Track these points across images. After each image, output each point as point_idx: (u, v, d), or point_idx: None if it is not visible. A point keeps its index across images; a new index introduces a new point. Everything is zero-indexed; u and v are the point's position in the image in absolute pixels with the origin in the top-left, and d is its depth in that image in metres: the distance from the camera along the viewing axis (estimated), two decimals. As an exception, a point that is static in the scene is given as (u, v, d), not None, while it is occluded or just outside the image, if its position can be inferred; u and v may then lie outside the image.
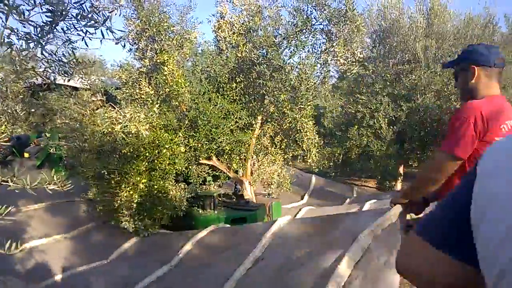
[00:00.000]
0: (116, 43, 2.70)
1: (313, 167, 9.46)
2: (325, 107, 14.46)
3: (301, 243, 4.45)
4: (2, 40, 2.61)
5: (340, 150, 13.78)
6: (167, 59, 7.31)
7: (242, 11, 8.15)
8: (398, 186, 15.29)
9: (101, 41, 2.78)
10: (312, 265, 3.71)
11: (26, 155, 9.25)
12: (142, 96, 7.45)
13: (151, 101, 7.34)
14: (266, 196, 8.92)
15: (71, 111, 5.84)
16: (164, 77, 7.39)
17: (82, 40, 2.79)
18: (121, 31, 3.21)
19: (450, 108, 11.95)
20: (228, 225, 6.60)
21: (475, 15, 13.32)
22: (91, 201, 5.97)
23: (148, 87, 7.57)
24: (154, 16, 6.92)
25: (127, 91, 7.62)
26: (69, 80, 3.79)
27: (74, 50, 2.79)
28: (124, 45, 6.89)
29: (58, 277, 5.22)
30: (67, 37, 2.69)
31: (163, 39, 7.19)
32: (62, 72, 3.29)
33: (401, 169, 14.79)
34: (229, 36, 8.18)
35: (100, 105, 6.12)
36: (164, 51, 7.31)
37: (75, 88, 6.20)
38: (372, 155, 12.70)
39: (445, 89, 12.37)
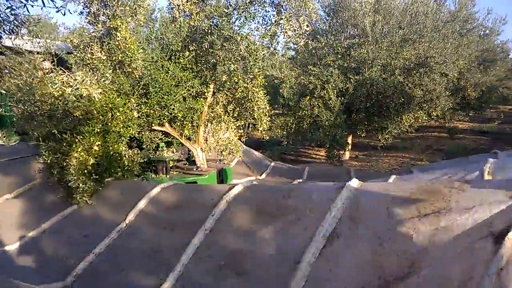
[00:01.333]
0: (56, 11, 2.92)
1: (264, 136, 9.98)
2: (281, 78, 14.91)
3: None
4: None
5: (293, 120, 14.45)
6: (120, 25, 7.37)
7: (196, -21, 8.28)
8: (347, 155, 16.37)
9: (41, 8, 3.02)
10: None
11: (-28, 120, 9.07)
12: (94, 61, 7.51)
13: (103, 66, 7.43)
14: (217, 162, 9.40)
15: (22, 74, 5.88)
16: (116, 43, 7.47)
17: (24, 7, 3.03)
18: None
19: (393, 81, 12.81)
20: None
21: (423, -8, 14.01)
22: (44, 164, 6.14)
23: (101, 52, 7.62)
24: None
25: (78, 55, 7.64)
26: (15, 39, 3.98)
27: (16, 16, 3.01)
28: (65, 13, 6.93)
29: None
30: (10, 3, 2.91)
31: (115, 4, 7.23)
32: (8, 31, 3.50)
33: (349, 139, 15.76)
34: (183, 4, 8.32)
35: (52, 69, 6.20)
36: (117, 17, 7.36)
37: (27, 52, 6.21)
38: (322, 125, 13.46)
39: (391, 63, 13.18)
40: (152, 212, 5.36)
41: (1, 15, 2.93)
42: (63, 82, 5.89)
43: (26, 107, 6.46)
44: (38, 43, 6.25)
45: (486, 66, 18.99)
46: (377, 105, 13.55)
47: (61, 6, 2.97)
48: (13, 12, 2.71)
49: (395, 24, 13.18)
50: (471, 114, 21.53)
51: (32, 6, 2.80)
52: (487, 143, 17.85)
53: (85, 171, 5.85)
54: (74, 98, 5.93)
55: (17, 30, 3.21)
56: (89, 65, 7.54)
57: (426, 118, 14.91)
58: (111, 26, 7.57)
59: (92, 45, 7.61)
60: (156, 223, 5.09)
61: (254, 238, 3.88)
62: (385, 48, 12.96)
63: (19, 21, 3.08)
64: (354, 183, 3.86)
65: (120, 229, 5.21)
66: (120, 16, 7.54)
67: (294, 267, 3.22)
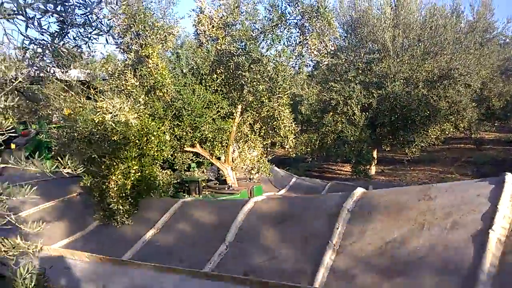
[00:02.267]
0: (116, 47, 3.15)
1: (291, 153, 10.08)
2: (301, 95, 15.06)
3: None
4: (20, 46, 3.12)
5: (317, 136, 14.49)
6: (151, 53, 7.73)
7: (221, 6, 8.62)
8: (373, 170, 16.20)
9: (104, 45, 3.25)
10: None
11: (13, 146, 9.52)
12: (128, 87, 7.85)
13: (136, 92, 7.75)
14: (247, 181, 9.51)
15: (64, 102, 6.22)
16: (148, 69, 7.82)
17: (86, 44, 3.30)
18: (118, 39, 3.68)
19: (417, 94, 12.77)
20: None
21: (440, 5, 14.09)
22: (84, 187, 6.42)
23: (133, 79, 7.98)
24: (139, 13, 7.31)
25: (113, 82, 8.01)
26: (66, 73, 4.27)
27: (81, 53, 3.27)
28: (121, 48, 7.58)
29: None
30: (76, 43, 3.17)
31: (148, 34, 7.59)
32: (62, 65, 3.77)
33: (374, 153, 15.63)
34: (209, 29, 8.65)
35: (90, 96, 6.53)
36: (148, 45, 7.71)
37: (69, 80, 6.58)
38: (347, 141, 13.45)
39: (413, 76, 13.17)
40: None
41: (62, 51, 3.16)
42: (103, 109, 6.17)
43: (66, 133, 6.80)
44: (81, 72, 6.60)
45: (508, 75, 18.70)
46: (402, 118, 13.47)
47: (121, 42, 3.17)
48: (79, 50, 2.94)
49: (415, 38, 13.23)
50: (496, 124, 21.06)
51: (93, 43, 3.02)
52: (516, 153, 17.38)
53: (123, 194, 6.07)
54: (113, 124, 6.20)
55: (70, 63, 3.46)
56: (123, 91, 7.89)
57: (453, 130, 14.69)
58: (143, 54, 7.94)
59: (125, 72, 7.98)
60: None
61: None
62: (406, 61, 12.98)
63: (77, 56, 3.33)
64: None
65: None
66: (151, 44, 7.90)
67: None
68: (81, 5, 2.98)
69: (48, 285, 2.80)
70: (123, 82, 7.76)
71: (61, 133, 6.93)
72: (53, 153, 9.02)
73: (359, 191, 4.52)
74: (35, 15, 2.78)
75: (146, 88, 7.97)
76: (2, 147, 3.17)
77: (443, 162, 17.04)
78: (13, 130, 3.51)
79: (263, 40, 7.89)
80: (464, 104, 13.15)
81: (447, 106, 12.89)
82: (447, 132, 14.49)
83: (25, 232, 2.93)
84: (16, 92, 3.81)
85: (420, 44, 13.06)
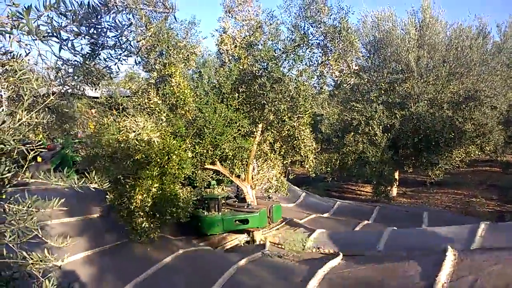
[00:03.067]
0: (144, 70, 3.20)
1: (310, 172, 9.96)
2: (322, 114, 14.99)
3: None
4: (53, 66, 3.22)
5: (337, 156, 14.33)
6: (174, 71, 7.87)
7: (243, 26, 8.75)
8: (394, 191, 15.83)
9: (133, 66, 3.33)
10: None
11: (39, 159, 9.77)
12: (151, 106, 7.99)
13: (159, 110, 7.88)
14: (266, 199, 9.42)
15: (89, 119, 6.37)
16: (171, 88, 7.95)
17: (115, 64, 3.39)
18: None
19: (442, 116, 12.51)
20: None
21: (466, 25, 13.89)
22: (111, 207, 6.49)
23: (156, 97, 8.12)
24: (162, 33, 7.49)
25: (136, 100, 8.16)
26: (95, 90, 4.38)
27: (111, 74, 3.35)
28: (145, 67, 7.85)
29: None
30: (107, 64, 3.27)
31: (171, 53, 7.75)
32: (91, 83, 3.88)
33: (396, 175, 15.31)
34: (231, 49, 8.77)
35: (117, 115, 6.67)
36: (171, 64, 7.86)
37: (94, 98, 6.78)
38: (368, 161, 13.24)
39: (438, 97, 12.94)
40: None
41: (92, 70, 3.24)
42: (127, 127, 6.29)
43: (91, 150, 6.93)
44: (107, 90, 6.77)
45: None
46: (425, 140, 13.19)
47: (148, 63, 3.23)
48: (108, 71, 3.00)
49: (440, 59, 13.05)
50: (523, 147, 20.33)
51: (122, 64, 3.09)
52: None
53: (150, 212, 6.11)
54: (136, 142, 6.29)
55: (99, 82, 3.54)
56: (146, 109, 8.03)
57: (478, 153, 14.26)
58: (166, 72, 8.10)
59: (149, 90, 8.13)
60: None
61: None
62: (431, 82, 12.79)
63: (103, 75, 3.40)
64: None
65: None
66: (174, 63, 8.06)
67: None
68: (112, 27, 3.05)
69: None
70: (146, 100, 7.90)
71: (86, 149, 7.08)
72: (77, 167, 9.22)
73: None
74: (69, 37, 2.86)
75: (168, 106, 8.09)
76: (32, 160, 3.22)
77: (468, 186, 16.48)
78: (42, 145, 3.57)
79: (285, 60, 7.94)
80: (490, 127, 12.77)
81: (473, 128, 12.55)
82: (472, 155, 14.06)
83: (49, 246, 2.96)
84: (46, 110, 3.90)
85: (445, 65, 12.86)
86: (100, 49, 3.24)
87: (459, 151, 13.30)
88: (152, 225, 5.96)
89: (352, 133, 13.77)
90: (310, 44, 7.92)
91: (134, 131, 6.35)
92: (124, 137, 6.30)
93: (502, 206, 12.79)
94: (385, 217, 10.34)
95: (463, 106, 12.64)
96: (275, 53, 7.87)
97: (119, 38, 3.22)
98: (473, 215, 11.18)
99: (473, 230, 5.33)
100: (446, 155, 13.21)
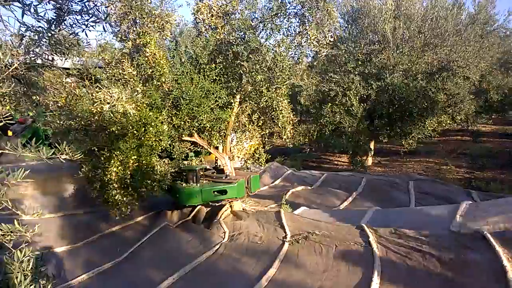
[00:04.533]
0: (117, 40, 3.08)
1: (288, 143, 10.08)
2: (300, 85, 15.01)
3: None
4: (17, 32, 3.08)
5: (315, 127, 14.49)
6: (149, 41, 7.63)
7: (220, -6, 8.49)
8: (369, 161, 16.27)
9: (101, 33, 3.22)
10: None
11: (9, 133, 9.45)
12: (125, 77, 7.77)
13: (133, 81, 7.68)
14: (244, 170, 9.52)
15: (61, 92, 6.16)
16: (146, 59, 7.73)
17: (83, 31, 3.27)
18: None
19: (416, 86, 12.75)
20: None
21: (442, -4, 13.94)
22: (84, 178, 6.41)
23: (131, 68, 7.89)
24: (136, 0, 7.20)
25: (110, 71, 7.91)
26: (65, 60, 4.23)
27: (78, 41, 3.23)
28: (118, 36, 7.49)
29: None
30: (73, 30, 3.14)
31: (145, 22, 7.49)
32: (60, 53, 3.74)
33: (372, 145, 15.68)
34: (208, 18, 8.53)
35: (89, 86, 6.47)
36: (146, 33, 7.61)
37: (65, 69, 6.52)
38: (345, 132, 13.47)
39: (412, 68, 13.13)
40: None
41: (59, 39, 3.12)
42: (101, 99, 6.13)
43: (63, 122, 6.74)
44: (78, 60, 6.53)
45: (507, 68, 18.68)
46: (400, 110, 13.48)
47: (118, 31, 3.14)
48: (76, 37, 2.90)
49: (415, 29, 13.15)
50: (494, 116, 21.12)
51: (90, 31, 2.98)
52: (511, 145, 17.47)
53: (124, 185, 6.06)
54: (111, 114, 6.16)
55: (68, 51, 3.42)
56: (120, 81, 7.81)
57: (450, 122, 14.72)
58: (140, 42, 7.84)
59: (123, 61, 7.88)
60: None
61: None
62: (406, 53, 12.93)
63: (72, 44, 3.28)
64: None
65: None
66: (149, 33, 7.79)
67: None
68: (78, -8, 2.93)
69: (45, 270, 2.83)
70: (120, 71, 7.67)
71: (58, 122, 6.88)
72: (50, 141, 8.99)
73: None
74: (32, 1, 2.74)
75: (144, 77, 7.89)
76: (2, 134, 3.12)
77: (439, 154, 17.11)
78: (11, 117, 3.44)
79: (262, 29, 7.81)
80: (462, 97, 13.15)
81: (445, 98, 12.89)
82: (444, 124, 14.52)
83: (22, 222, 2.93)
84: (12, 79, 3.76)
85: (420, 35, 12.99)
86: (66, 14, 3.11)
87: (431, 121, 13.69)
88: (125, 198, 5.94)
89: (330, 104, 13.89)
90: (287, 14, 7.80)
91: (108, 103, 6.21)
92: (98, 109, 6.15)
93: (471, 173, 13.39)
94: (373, 189, 10.60)
95: (437, 76, 12.90)
96: (252, 22, 7.73)
97: (86, 3, 3.10)
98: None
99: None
100: (419, 125, 13.58)
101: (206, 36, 8.41)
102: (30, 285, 2.22)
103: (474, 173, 13.31)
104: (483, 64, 14.38)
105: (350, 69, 13.34)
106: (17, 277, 2.14)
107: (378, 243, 5.28)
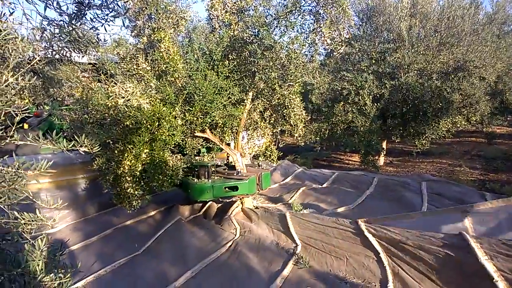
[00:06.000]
0: (132, 36, 3.11)
1: (300, 141, 10.06)
2: (312, 84, 14.94)
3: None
4: (38, 26, 3.13)
5: (326, 126, 14.41)
6: (163, 37, 7.68)
7: (235, -10, 8.50)
8: (381, 160, 16.13)
9: (121, 28, 3.26)
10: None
11: (26, 126, 9.62)
12: (140, 72, 7.84)
13: (148, 76, 7.74)
14: (256, 167, 9.53)
15: (77, 85, 6.25)
16: (160, 54, 7.79)
17: (102, 26, 3.31)
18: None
19: (430, 86, 12.58)
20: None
21: (459, -5, 13.72)
22: (99, 171, 6.51)
23: (145, 63, 7.96)
24: (152, -5, 7.25)
25: (125, 66, 7.99)
26: (82, 57, 4.28)
27: (98, 37, 3.27)
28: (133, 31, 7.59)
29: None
30: (93, 25, 3.19)
31: (160, 17, 7.54)
32: (77, 50, 3.79)
33: (384, 144, 15.54)
34: (222, 15, 8.56)
35: (105, 81, 6.55)
36: (161, 29, 7.66)
37: (81, 64, 6.62)
38: (357, 131, 13.37)
39: (427, 68, 12.96)
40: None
41: (79, 35, 3.16)
42: (116, 93, 6.20)
43: (78, 116, 6.85)
44: (94, 55, 6.61)
45: (525, 69, 18.28)
46: (413, 110, 13.31)
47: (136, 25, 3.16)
48: (96, 31, 2.94)
49: (431, 28, 12.96)
50: (509, 118, 20.74)
51: (109, 25, 3.03)
52: (527, 148, 17.12)
53: (136, 179, 6.14)
54: (126, 108, 6.23)
55: (87, 48, 3.46)
56: (134, 76, 7.89)
57: (465, 123, 14.50)
58: (155, 38, 7.90)
59: (137, 56, 7.95)
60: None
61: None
62: (421, 52, 12.76)
63: (90, 42, 3.32)
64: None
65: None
66: (164, 29, 7.85)
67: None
68: (98, -14, 2.97)
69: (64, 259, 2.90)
70: (135, 67, 7.74)
71: (73, 116, 6.99)
72: (65, 134, 9.13)
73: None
74: (55, -4, 2.78)
75: (158, 72, 7.95)
76: (19, 127, 3.18)
77: (453, 155, 16.87)
78: (28, 111, 3.50)
79: (276, 26, 7.79)
80: (478, 97, 12.93)
81: (460, 98, 12.69)
82: (458, 125, 14.30)
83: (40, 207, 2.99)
84: (32, 73, 3.82)
85: (436, 34, 12.81)
86: (87, 8, 3.15)
87: (446, 121, 13.49)
88: (136, 192, 6.02)
89: (342, 103, 13.80)
90: (302, 11, 7.77)
91: (123, 97, 6.28)
92: (113, 103, 6.23)
93: (485, 175, 13.18)
94: (385, 189, 10.47)
95: (452, 76, 12.71)
96: (267, 19, 7.72)
97: (105, -3, 3.14)
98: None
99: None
100: (433, 125, 13.40)
101: (220, 33, 8.43)
102: (50, 273, 2.28)
103: (488, 175, 13.10)
104: (500, 65, 14.12)
105: (363, 67, 13.22)
106: (38, 265, 2.19)
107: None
